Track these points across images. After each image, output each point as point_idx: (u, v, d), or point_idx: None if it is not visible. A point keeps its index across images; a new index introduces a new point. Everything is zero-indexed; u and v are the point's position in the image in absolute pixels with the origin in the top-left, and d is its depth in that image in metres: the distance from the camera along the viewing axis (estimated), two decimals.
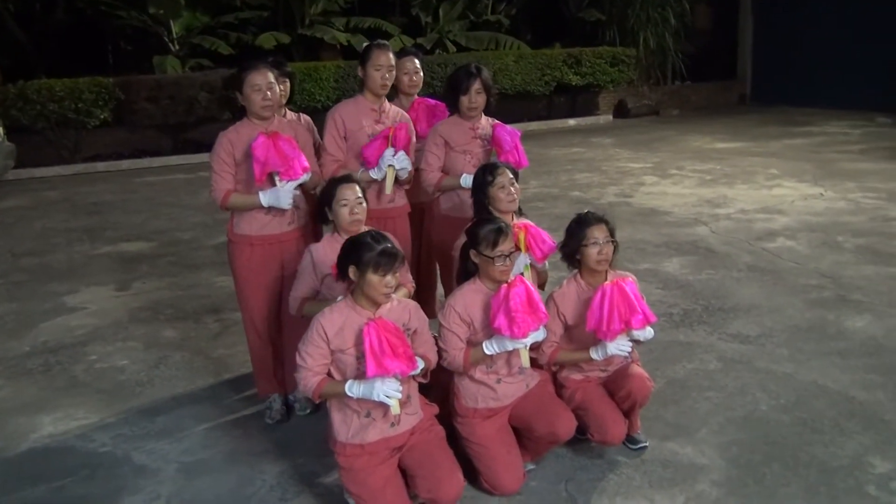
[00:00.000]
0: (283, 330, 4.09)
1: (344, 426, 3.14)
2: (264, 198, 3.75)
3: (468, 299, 3.36)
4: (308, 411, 4.10)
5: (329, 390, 3.08)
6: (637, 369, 3.60)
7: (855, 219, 7.59)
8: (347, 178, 3.63)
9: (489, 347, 3.30)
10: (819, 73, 16.55)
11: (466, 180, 4.08)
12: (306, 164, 3.80)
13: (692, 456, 3.58)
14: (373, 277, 2.99)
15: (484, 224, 3.34)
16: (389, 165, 4.05)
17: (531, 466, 3.51)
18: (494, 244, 3.26)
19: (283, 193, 3.74)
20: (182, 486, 3.52)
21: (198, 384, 4.55)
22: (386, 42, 4.24)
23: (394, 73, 4.18)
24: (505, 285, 3.25)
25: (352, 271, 3.03)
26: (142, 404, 4.32)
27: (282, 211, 3.85)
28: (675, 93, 17.89)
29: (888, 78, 15.26)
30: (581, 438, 3.67)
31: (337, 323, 3.07)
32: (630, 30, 16.87)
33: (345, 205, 3.53)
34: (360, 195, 3.58)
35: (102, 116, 12.50)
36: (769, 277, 5.96)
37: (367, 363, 2.94)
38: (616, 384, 3.58)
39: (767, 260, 6.39)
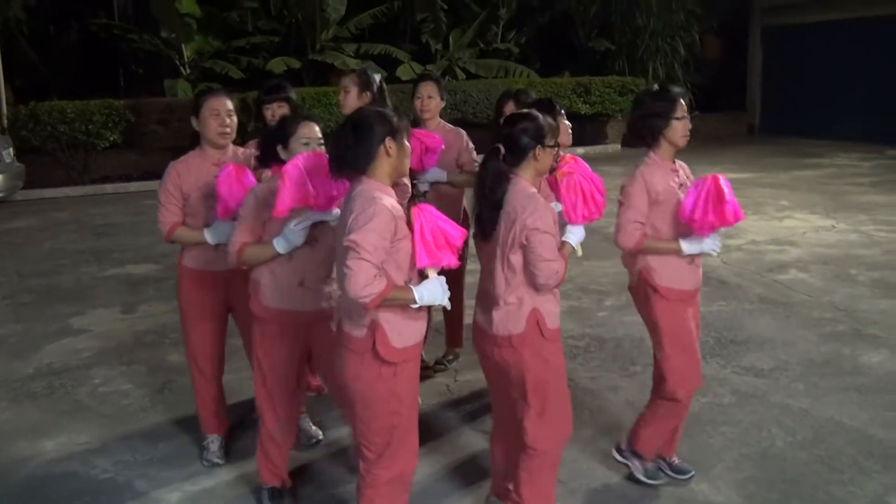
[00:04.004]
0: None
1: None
2: (209, 235, 3.59)
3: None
4: (315, 441, 4.00)
5: (397, 296, 2.70)
6: None
7: (868, 252, 7.51)
8: (310, 116, 3.32)
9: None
10: (828, 106, 16.56)
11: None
12: None
13: (708, 493, 3.48)
14: (407, 144, 2.82)
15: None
16: None
17: None
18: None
19: (227, 229, 3.50)
20: None
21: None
22: (353, 69, 4.43)
23: (365, 96, 4.26)
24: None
25: (390, 144, 2.73)
26: (145, 430, 4.25)
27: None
28: None
29: None
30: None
31: (397, 207, 2.73)
32: (639, 59, 16.94)
33: (306, 143, 3.19)
34: (321, 134, 3.28)
35: (112, 138, 12.57)
36: (782, 310, 5.89)
37: (418, 253, 2.73)
38: None
39: (780, 292, 6.32)
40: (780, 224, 8.84)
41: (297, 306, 3.25)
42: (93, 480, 3.73)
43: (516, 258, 2.92)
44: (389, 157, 2.74)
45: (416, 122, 4.52)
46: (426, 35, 16.28)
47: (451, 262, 2.77)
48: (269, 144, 3.28)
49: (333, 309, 3.36)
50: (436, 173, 4.42)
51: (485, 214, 2.97)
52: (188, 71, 14.92)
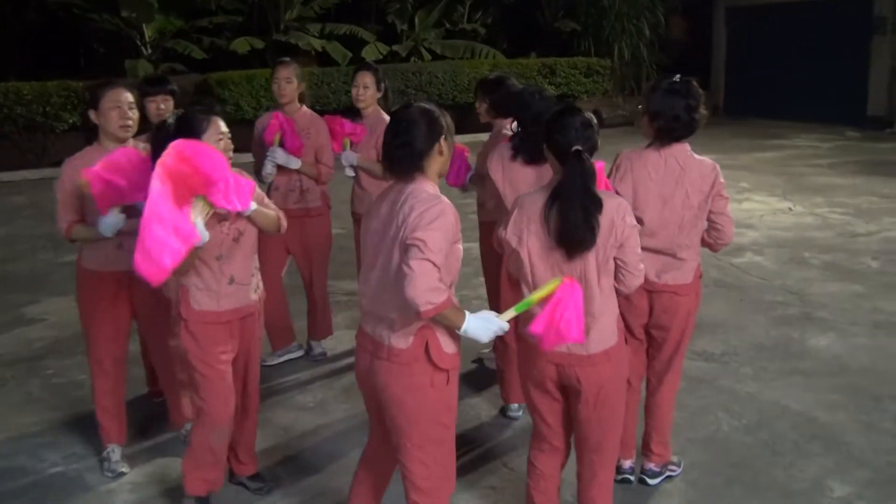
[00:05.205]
0: (161, 367, 3.87)
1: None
2: (101, 227, 3.37)
3: None
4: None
5: (449, 316, 2.52)
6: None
7: (822, 234, 7.64)
8: (215, 111, 3.24)
9: None
10: (791, 87, 16.70)
11: None
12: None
13: None
14: (450, 142, 2.73)
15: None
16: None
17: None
18: None
19: (114, 220, 3.36)
20: None
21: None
22: (287, 59, 4.71)
23: (293, 84, 4.58)
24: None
25: (444, 144, 2.66)
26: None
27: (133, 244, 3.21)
28: None
29: (858, 93, 15.45)
30: None
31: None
32: (605, 40, 16.97)
33: (220, 140, 3.10)
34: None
35: (71, 121, 12.34)
36: (735, 293, 5.98)
37: (540, 317, 2.59)
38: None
39: (734, 275, 6.41)
40: (739, 206, 8.93)
41: (231, 305, 3.21)
42: (42, 475, 3.72)
43: (611, 264, 2.75)
44: (441, 157, 2.68)
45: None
46: (391, 15, 16.14)
47: (546, 346, 2.64)
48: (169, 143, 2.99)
49: (260, 299, 3.35)
50: (350, 157, 4.65)
51: (587, 224, 2.64)
52: (150, 51, 14.67)
